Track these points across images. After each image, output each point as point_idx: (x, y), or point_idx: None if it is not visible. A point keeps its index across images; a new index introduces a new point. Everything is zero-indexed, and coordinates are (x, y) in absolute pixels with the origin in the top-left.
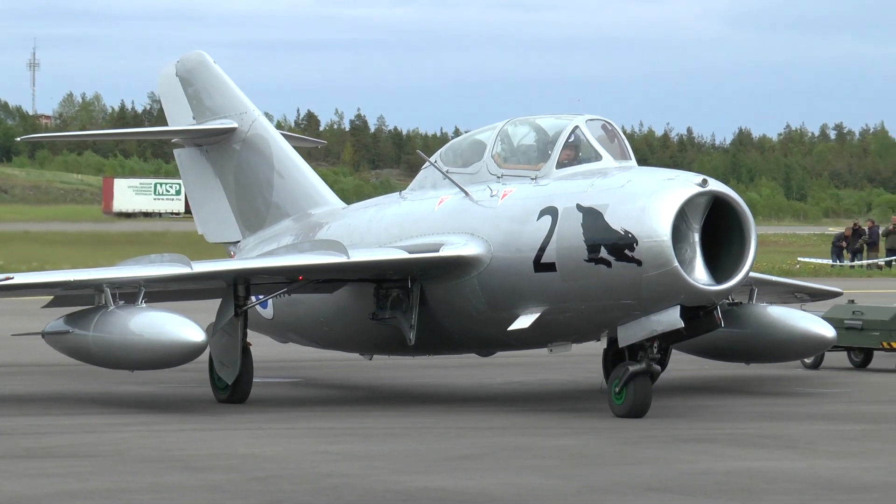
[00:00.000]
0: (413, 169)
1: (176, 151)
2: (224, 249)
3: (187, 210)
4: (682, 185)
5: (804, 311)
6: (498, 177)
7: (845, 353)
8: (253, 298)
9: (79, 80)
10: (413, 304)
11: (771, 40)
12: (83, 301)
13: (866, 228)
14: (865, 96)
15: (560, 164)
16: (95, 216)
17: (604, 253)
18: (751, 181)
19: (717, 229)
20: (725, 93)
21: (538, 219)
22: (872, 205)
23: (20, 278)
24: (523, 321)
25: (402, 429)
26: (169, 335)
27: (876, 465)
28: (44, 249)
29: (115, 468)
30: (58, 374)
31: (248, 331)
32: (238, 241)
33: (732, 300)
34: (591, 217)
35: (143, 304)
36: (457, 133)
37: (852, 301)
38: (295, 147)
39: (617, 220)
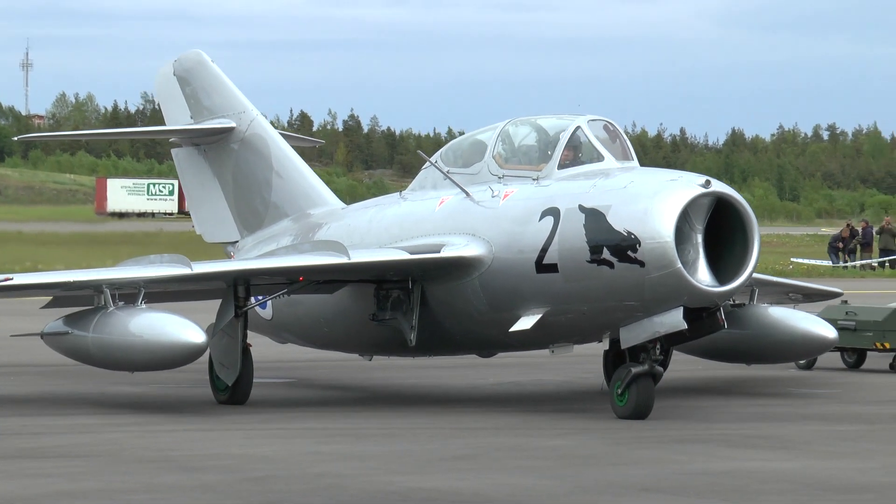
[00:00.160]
0: (406, 169)
1: (174, 151)
2: (222, 249)
3: (181, 210)
4: (686, 186)
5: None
6: (499, 177)
7: (839, 354)
8: (253, 299)
9: (72, 81)
10: (414, 305)
11: (764, 41)
12: (82, 302)
13: (860, 229)
14: (858, 97)
15: (562, 165)
16: (88, 216)
17: (606, 254)
18: (744, 182)
19: (720, 230)
20: (718, 93)
21: (540, 219)
22: (865, 205)
23: (19, 279)
24: (525, 322)
25: (396, 429)
26: (169, 336)
27: (870, 466)
28: (37, 250)
29: (109, 468)
30: (53, 375)
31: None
32: (236, 242)
33: (734, 301)
34: (594, 218)
35: (143, 305)
36: (450, 133)
37: (845, 302)
38: (292, 147)
39: (620, 221)
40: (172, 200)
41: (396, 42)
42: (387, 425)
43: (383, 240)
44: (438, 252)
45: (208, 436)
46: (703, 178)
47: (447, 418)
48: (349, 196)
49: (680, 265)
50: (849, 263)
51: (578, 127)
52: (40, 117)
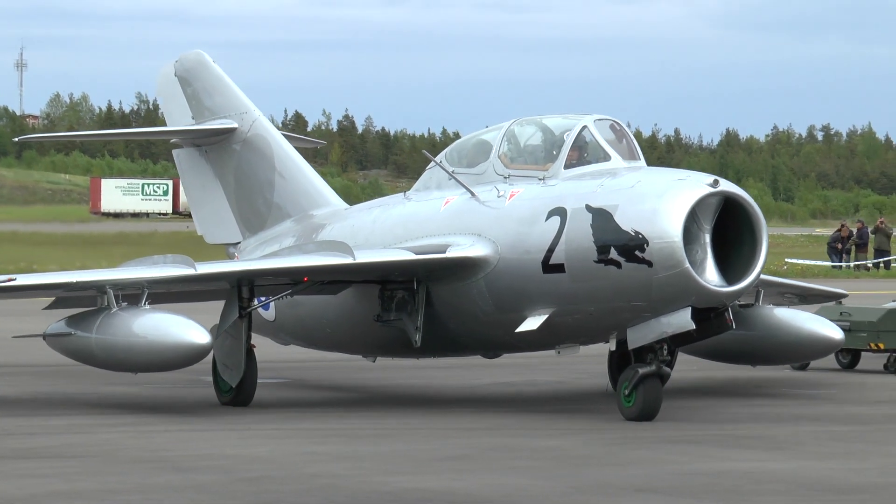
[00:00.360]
0: (401, 169)
1: (175, 152)
2: (221, 250)
3: (175, 210)
4: (693, 186)
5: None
6: (505, 177)
7: (832, 355)
8: (257, 300)
9: (66, 81)
10: (419, 306)
11: (758, 41)
12: (85, 303)
13: (854, 230)
14: (853, 98)
15: (568, 165)
16: (83, 217)
17: (614, 254)
18: (738, 182)
19: (728, 230)
20: (713, 94)
21: (546, 220)
22: (860, 206)
23: (22, 280)
24: (531, 323)
25: (391, 430)
26: (173, 337)
27: (864, 466)
28: (32, 250)
29: (103, 469)
30: (49, 375)
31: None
32: (238, 243)
33: (741, 302)
34: (601, 218)
35: (147, 306)
36: (445, 134)
37: (840, 302)
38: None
39: (627, 221)
40: (167, 201)
41: (391, 42)
42: (381, 426)
43: (388, 240)
44: (444, 252)
45: (203, 436)
46: (711, 178)
47: (442, 419)
48: (344, 196)
49: (688, 265)
50: (843, 264)
51: (585, 126)
52: (35, 117)
